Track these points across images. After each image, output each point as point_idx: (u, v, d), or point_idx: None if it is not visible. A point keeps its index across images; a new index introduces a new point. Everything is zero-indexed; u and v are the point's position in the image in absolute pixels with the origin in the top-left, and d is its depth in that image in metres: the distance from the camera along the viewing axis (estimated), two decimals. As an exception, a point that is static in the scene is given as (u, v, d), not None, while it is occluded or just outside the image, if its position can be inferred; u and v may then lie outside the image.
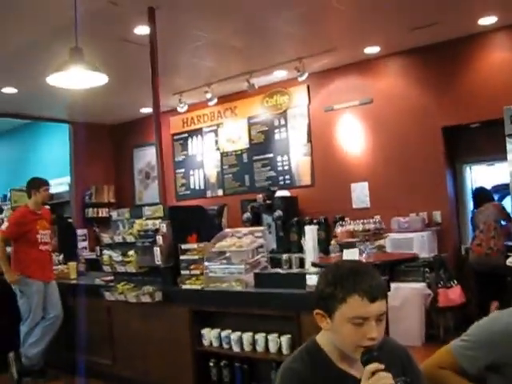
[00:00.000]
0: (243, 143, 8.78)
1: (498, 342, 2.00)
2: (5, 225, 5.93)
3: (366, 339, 1.68)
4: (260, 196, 7.65)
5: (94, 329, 5.77)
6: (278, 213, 7.41)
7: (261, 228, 5.27)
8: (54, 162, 10.54)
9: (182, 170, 9.46)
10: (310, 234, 4.58)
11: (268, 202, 7.61)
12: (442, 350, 2.17)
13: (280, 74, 8.03)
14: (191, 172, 9.43)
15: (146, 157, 10.20)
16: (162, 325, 5.10)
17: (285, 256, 5.04)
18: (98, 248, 9.15)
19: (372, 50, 7.24)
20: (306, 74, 7.35)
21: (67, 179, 10.36)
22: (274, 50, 7.05)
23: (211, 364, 4.88)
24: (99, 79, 4.77)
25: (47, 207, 6.48)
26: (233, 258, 4.81)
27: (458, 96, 6.87)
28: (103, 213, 10.33)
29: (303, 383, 1.77)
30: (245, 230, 5.14)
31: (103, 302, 5.57)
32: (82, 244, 9.46)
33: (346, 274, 1.75)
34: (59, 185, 10.25)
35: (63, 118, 9.94)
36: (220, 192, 9.00)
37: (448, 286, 6.29)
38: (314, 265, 4.22)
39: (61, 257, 6.79)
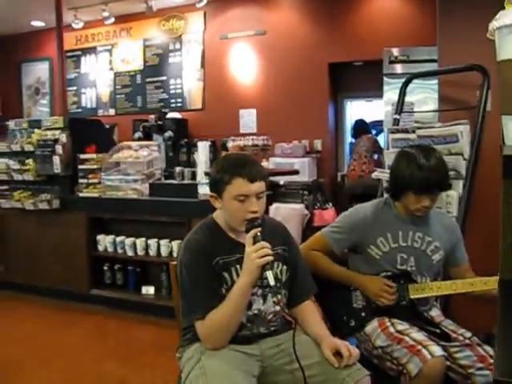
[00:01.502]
0: (137, 64, 8.86)
1: (357, 228, 2.54)
2: None
3: (248, 213, 2.10)
4: (152, 116, 7.84)
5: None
6: (169, 133, 7.66)
7: (156, 142, 5.57)
8: None
9: (74, 88, 9.41)
10: (203, 148, 4.97)
11: (159, 122, 7.80)
12: (314, 235, 2.68)
13: (178, -1, 8.16)
14: (83, 90, 9.40)
15: (36, 72, 9.99)
16: (59, 231, 5.35)
17: (178, 169, 5.39)
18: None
19: (268, -18, 7.54)
20: (205, 1, 7.55)
21: None
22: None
23: (105, 268, 5.25)
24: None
25: None
26: (129, 168, 5.12)
27: (346, 35, 7.34)
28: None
29: (204, 249, 2.17)
30: (141, 143, 5.42)
31: (-3, 210, 5.70)
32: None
33: (232, 162, 2.18)
34: None
35: None
36: (112, 111, 9.09)
37: (323, 208, 6.90)
38: (206, 174, 4.62)
39: None
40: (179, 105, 8.50)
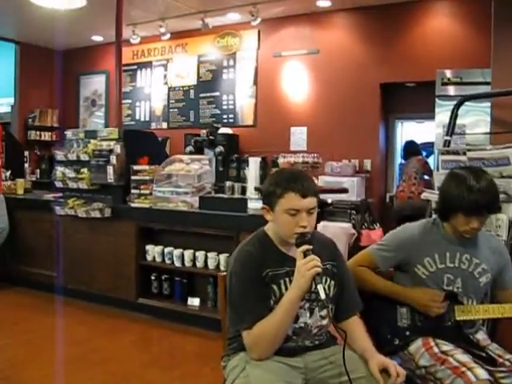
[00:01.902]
0: (191, 80, 9.05)
1: (404, 246, 2.54)
2: None
3: (298, 227, 2.14)
4: (204, 131, 7.99)
5: (41, 241, 6.08)
6: (220, 148, 7.78)
7: (207, 157, 5.66)
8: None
9: (129, 101, 9.65)
10: (253, 164, 5.04)
11: (211, 137, 7.94)
12: (361, 252, 2.69)
13: (233, 17, 8.29)
14: (137, 103, 9.65)
15: (93, 84, 10.32)
16: (109, 240, 5.48)
17: (228, 183, 5.46)
18: (38, 171, 9.36)
19: (324, 3, 7.59)
20: (259, 19, 7.68)
21: (10, 100, 10.32)
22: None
23: (153, 277, 5.33)
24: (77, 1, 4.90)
25: None
26: (180, 181, 5.22)
27: (398, 56, 7.36)
28: (46, 136, 10.42)
29: (254, 260, 2.21)
30: (193, 157, 5.52)
31: (51, 217, 5.88)
32: (22, 165, 9.53)
33: (286, 176, 2.22)
34: (0, 105, 10.23)
35: (11, 37, 9.85)
36: (164, 125, 9.28)
37: (371, 228, 6.87)
38: (256, 189, 4.67)
39: (8, 173, 6.93)
40: (231, 120, 8.63)
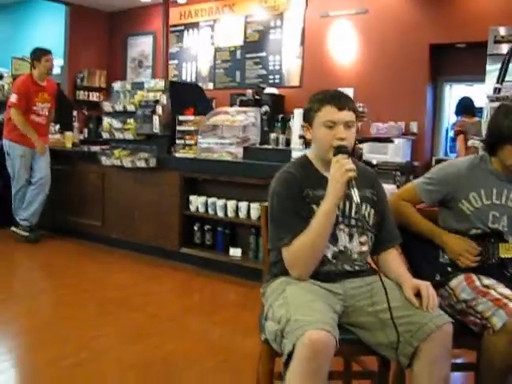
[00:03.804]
0: (238, 40, 9.03)
1: (450, 180, 2.49)
2: (14, 97, 5.86)
3: (336, 140, 2.14)
4: (249, 91, 7.96)
5: (87, 192, 6.22)
6: (265, 108, 7.72)
7: (253, 109, 5.63)
8: (47, 42, 10.44)
9: (176, 62, 9.69)
10: (298, 115, 5.00)
11: (256, 97, 7.91)
12: (406, 185, 2.68)
13: (281, -24, 8.22)
14: (184, 64, 9.68)
15: (140, 45, 10.40)
16: (153, 190, 5.55)
17: (272, 135, 5.45)
18: (85, 130, 9.51)
19: (374, -40, 7.46)
20: (308, -23, 7.58)
21: (59, 61, 10.46)
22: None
23: (196, 228, 5.39)
24: None
25: (54, 81, 6.52)
26: (225, 132, 5.23)
27: (448, 16, 7.17)
28: (93, 97, 10.58)
29: (295, 179, 2.23)
30: (238, 109, 5.53)
31: (97, 168, 6.00)
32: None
33: (323, 93, 2.25)
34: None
35: (61, -2, 9.99)
36: (210, 85, 9.30)
37: (416, 190, 6.78)
38: (300, 137, 4.66)
39: (57, 127, 7.07)
40: (277, 81, 8.60)
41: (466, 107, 6.66)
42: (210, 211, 5.23)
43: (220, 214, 5.15)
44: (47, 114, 6.10)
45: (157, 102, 5.37)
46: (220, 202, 5.14)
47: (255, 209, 4.93)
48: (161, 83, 5.49)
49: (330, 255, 2.20)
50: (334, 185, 2.08)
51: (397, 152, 7.04)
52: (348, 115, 2.16)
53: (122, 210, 5.87)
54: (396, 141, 6.98)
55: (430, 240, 2.51)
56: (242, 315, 4.09)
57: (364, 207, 2.25)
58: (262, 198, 4.87)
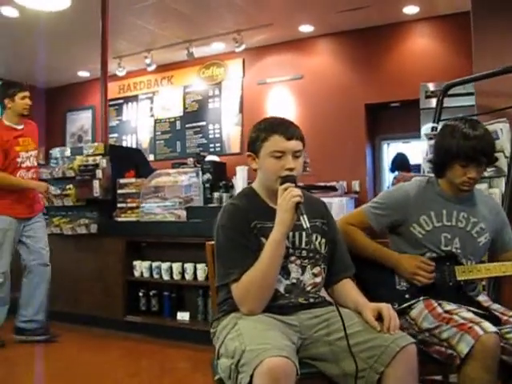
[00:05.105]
0: (177, 111, 9.09)
1: (398, 205, 2.47)
2: None
3: (284, 170, 2.08)
4: (190, 159, 7.93)
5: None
6: (207, 176, 7.70)
7: (194, 169, 5.59)
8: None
9: (116, 135, 9.65)
10: (241, 173, 4.99)
11: (198, 165, 7.89)
12: (354, 210, 2.64)
13: (218, 47, 8.40)
14: (124, 137, 9.64)
15: (80, 120, 10.33)
16: (96, 257, 5.35)
17: (216, 194, 5.39)
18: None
19: (306, 28, 7.73)
20: (244, 46, 7.78)
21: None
22: (214, 20, 7.39)
23: (141, 294, 5.19)
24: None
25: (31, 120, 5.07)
26: (167, 193, 5.15)
27: (381, 77, 7.45)
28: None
29: (241, 212, 2.15)
30: (179, 170, 5.48)
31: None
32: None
33: (269, 121, 2.20)
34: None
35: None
36: (151, 157, 9.24)
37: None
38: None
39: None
40: (218, 149, 8.64)
41: (401, 163, 6.89)
42: (155, 275, 5.06)
43: (165, 277, 4.99)
44: (35, 164, 4.90)
45: (96, 165, 5.27)
46: (165, 265, 4.99)
47: (202, 269, 4.80)
48: (100, 147, 5.41)
49: (282, 289, 2.11)
50: (281, 214, 2.01)
51: (341, 210, 7.05)
52: (296, 145, 2.12)
53: (63, 280, 5.57)
54: (339, 199, 7.02)
55: (385, 268, 2.45)
56: (194, 377, 3.89)
57: (314, 237, 2.18)
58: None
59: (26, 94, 4.65)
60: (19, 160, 4.62)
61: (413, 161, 7.58)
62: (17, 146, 4.61)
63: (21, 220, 4.63)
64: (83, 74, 9.61)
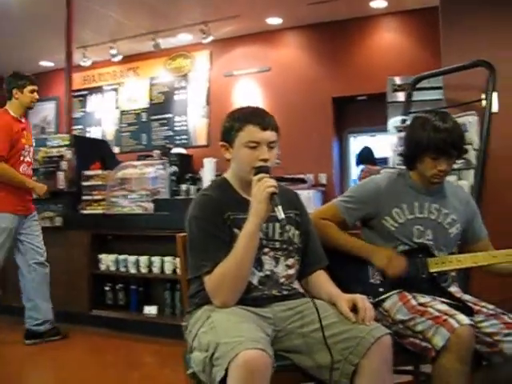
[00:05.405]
0: (143, 103, 8.98)
1: (370, 198, 2.46)
2: None
3: (258, 160, 2.05)
4: (157, 152, 7.83)
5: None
6: (174, 168, 7.62)
7: (161, 161, 5.52)
8: None
9: (80, 127, 9.46)
10: (208, 165, 4.94)
11: (164, 158, 7.80)
12: (326, 204, 2.62)
13: (184, 38, 8.29)
14: (88, 129, 9.48)
15: (43, 111, 10.06)
16: (60, 250, 5.20)
17: (183, 186, 5.33)
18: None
19: (274, 21, 7.69)
20: (211, 37, 7.71)
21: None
22: (181, 10, 7.31)
23: (107, 288, 5.11)
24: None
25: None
26: (134, 185, 5.07)
27: (348, 70, 7.47)
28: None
29: (214, 202, 2.12)
30: (146, 162, 5.40)
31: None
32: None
33: (244, 111, 2.16)
34: None
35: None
36: (117, 149, 9.06)
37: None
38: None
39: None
40: (184, 141, 8.55)
41: (367, 157, 6.94)
42: (122, 268, 4.99)
43: (132, 270, 4.93)
44: (32, 160, 4.69)
45: (61, 157, 5.16)
46: (132, 259, 4.93)
47: (169, 263, 4.76)
48: (66, 138, 5.29)
49: (255, 281, 2.08)
50: (255, 205, 1.98)
51: (308, 203, 6.98)
52: (271, 135, 2.08)
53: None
54: (306, 192, 7.01)
55: (359, 262, 2.44)
56: (163, 372, 3.84)
57: (288, 228, 2.15)
58: (176, 251, 4.74)
59: (35, 87, 4.51)
60: (24, 153, 4.46)
61: (378, 154, 7.67)
62: (23, 139, 4.45)
63: (20, 217, 4.50)
64: (46, 64, 9.38)
